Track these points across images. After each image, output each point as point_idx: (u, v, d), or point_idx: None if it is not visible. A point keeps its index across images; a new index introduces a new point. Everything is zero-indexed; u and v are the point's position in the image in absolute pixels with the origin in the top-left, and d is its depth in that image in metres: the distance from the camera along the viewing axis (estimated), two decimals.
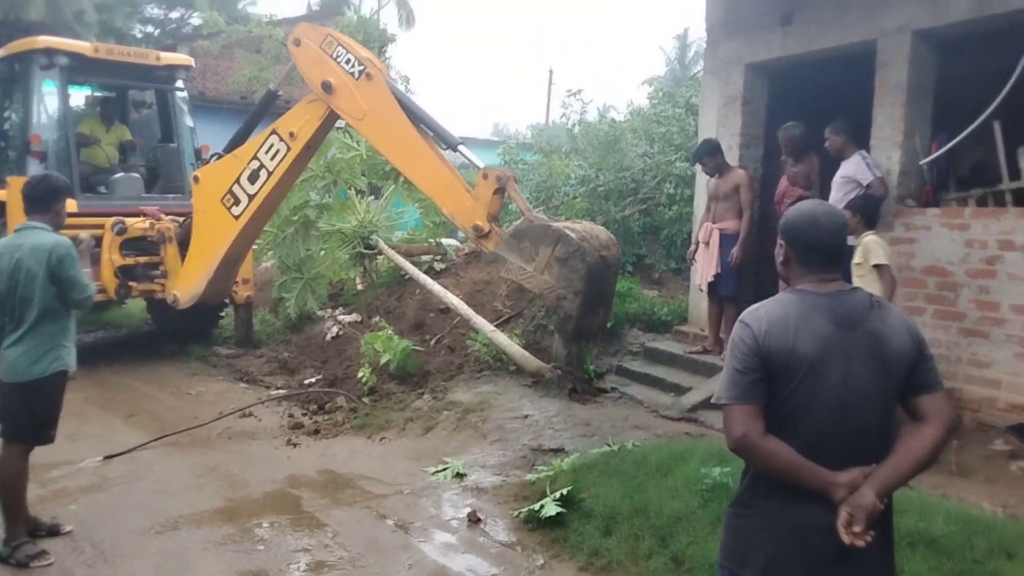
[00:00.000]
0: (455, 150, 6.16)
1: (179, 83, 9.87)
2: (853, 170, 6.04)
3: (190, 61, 10.28)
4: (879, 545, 2.14)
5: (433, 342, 8.60)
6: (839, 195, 6.12)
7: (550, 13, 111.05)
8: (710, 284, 7.11)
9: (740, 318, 2.28)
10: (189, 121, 9.90)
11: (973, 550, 3.45)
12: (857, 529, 2.07)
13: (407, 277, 9.83)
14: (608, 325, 6.67)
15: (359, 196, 10.52)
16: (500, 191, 5.68)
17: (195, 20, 22.99)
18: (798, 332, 2.16)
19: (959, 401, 5.44)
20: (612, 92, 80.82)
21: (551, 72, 30.72)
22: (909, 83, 6.01)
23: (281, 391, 8.07)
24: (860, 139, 6.25)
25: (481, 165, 5.92)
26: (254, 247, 8.87)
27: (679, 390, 6.69)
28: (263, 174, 6.98)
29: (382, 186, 10.63)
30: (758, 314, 2.24)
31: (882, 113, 6.19)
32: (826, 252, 2.28)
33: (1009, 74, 5.45)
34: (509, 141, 14.03)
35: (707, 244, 7.17)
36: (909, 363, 2.19)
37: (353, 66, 6.24)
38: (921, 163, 6.02)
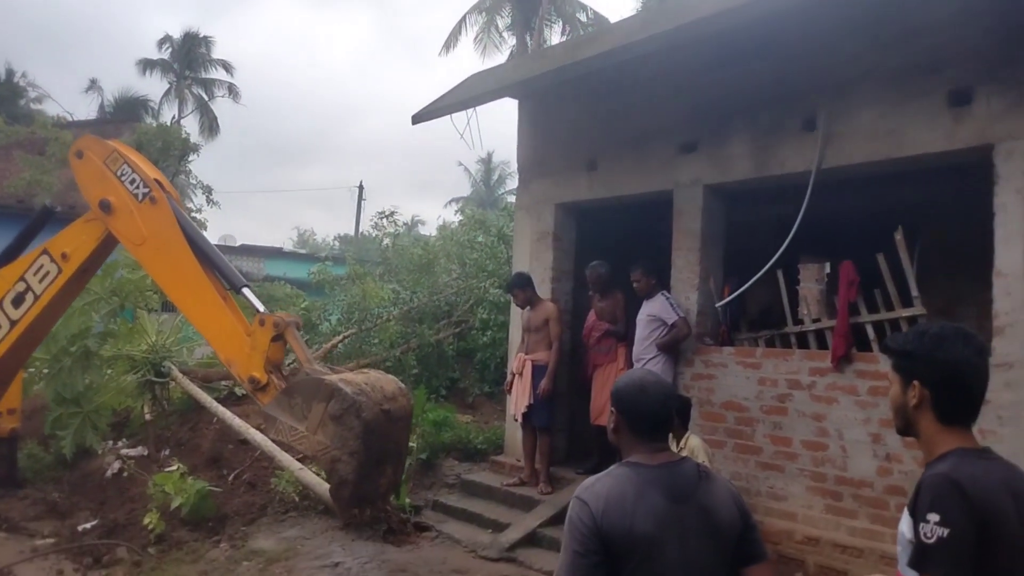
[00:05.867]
0: (239, 292, 5.52)
1: None
2: (658, 310, 6.41)
3: None
4: None
5: (232, 478, 7.92)
6: (646, 332, 6.46)
7: (359, 127, 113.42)
8: (524, 415, 7.14)
9: (576, 494, 2.23)
10: None
11: None
12: None
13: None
14: (401, 480, 6.17)
15: (150, 315, 9.76)
16: (279, 338, 5.06)
17: None
18: (635, 510, 2.14)
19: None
20: (420, 204, 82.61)
21: (361, 187, 30.91)
22: (703, 231, 6.54)
23: (49, 541, 7.01)
24: (663, 279, 6.67)
25: (263, 310, 5.29)
26: (23, 375, 7.86)
27: (497, 526, 6.53)
28: (29, 298, 6.15)
29: None
30: (595, 491, 2.20)
31: (680, 257, 6.66)
32: (654, 420, 2.33)
33: (789, 222, 6.04)
34: (323, 259, 13.73)
35: (520, 375, 7.24)
36: (737, 535, 2.24)
37: (138, 187, 5.69)
38: (717, 305, 6.49)
